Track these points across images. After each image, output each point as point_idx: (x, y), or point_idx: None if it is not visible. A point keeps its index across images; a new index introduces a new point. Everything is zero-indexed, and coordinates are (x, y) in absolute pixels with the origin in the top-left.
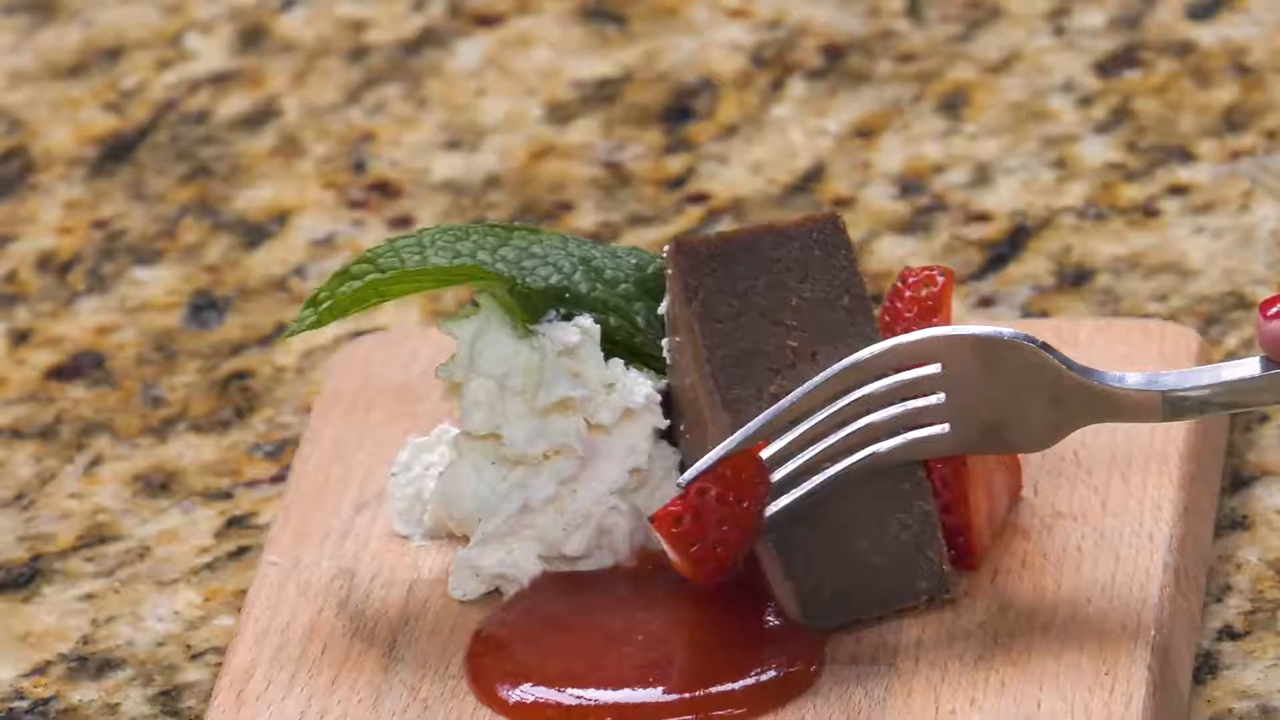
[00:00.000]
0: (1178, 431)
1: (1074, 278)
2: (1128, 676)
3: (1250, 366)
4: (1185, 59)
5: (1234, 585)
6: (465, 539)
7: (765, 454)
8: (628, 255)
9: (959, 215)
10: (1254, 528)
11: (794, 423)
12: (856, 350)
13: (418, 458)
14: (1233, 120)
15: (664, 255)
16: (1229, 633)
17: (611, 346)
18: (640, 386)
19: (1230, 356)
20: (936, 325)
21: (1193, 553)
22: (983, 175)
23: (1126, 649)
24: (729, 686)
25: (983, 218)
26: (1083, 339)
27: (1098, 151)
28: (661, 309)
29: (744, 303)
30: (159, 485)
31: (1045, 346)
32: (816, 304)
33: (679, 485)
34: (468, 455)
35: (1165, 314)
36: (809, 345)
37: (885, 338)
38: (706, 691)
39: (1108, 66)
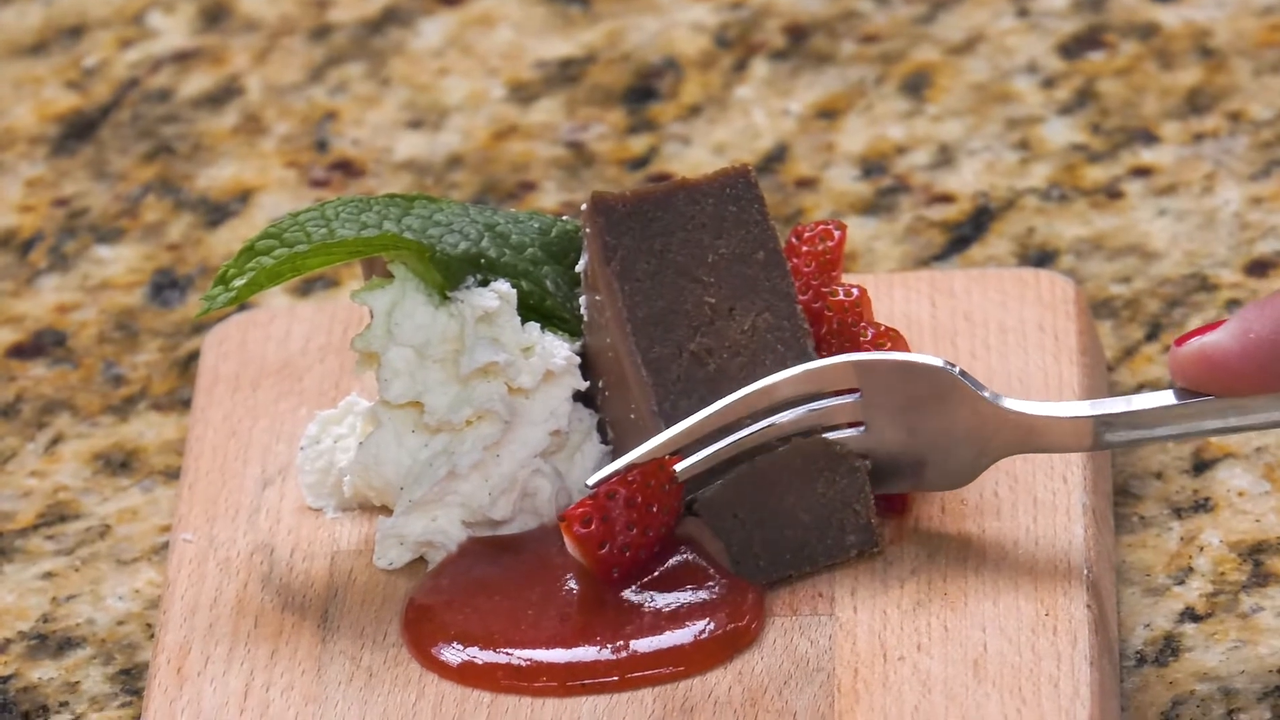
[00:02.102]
0: (1071, 376)
1: (1037, 259)
2: (1069, 616)
3: (1175, 395)
4: (1149, 41)
5: (1196, 568)
6: (384, 509)
7: (678, 468)
8: (529, 219)
9: (922, 197)
10: (1216, 510)
11: (707, 439)
12: (773, 305)
13: (326, 431)
14: (1196, 102)
15: (565, 218)
16: (1191, 615)
17: (524, 311)
18: (559, 349)
19: None
20: (836, 281)
21: (1102, 492)
22: (946, 156)
23: (1062, 589)
24: (674, 643)
25: (946, 199)
26: (958, 289)
27: (1061, 133)
28: (579, 267)
29: (661, 260)
30: (119, 464)
31: (964, 374)
32: (732, 259)
33: (588, 486)
34: (388, 425)
35: (1129, 295)
36: (727, 301)
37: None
38: (652, 649)
39: (1071, 48)
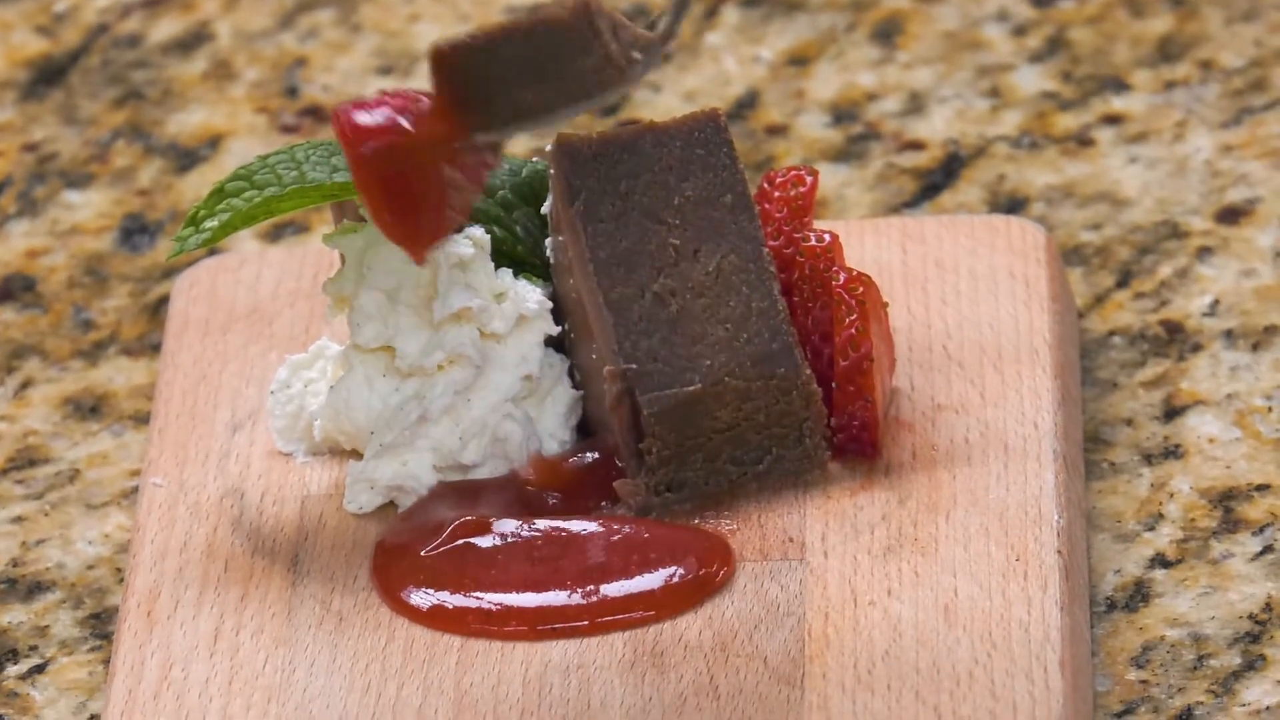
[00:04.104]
0: (1042, 324)
1: (1008, 206)
2: (1039, 562)
3: None
4: None
5: (1166, 514)
6: (355, 453)
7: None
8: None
9: (893, 144)
10: (1186, 457)
11: None
12: (739, 247)
13: (296, 375)
14: (1167, 51)
15: (536, 160)
16: (1161, 561)
17: (496, 257)
18: (531, 294)
19: (1162, 286)
20: (808, 226)
21: (1073, 438)
22: (917, 104)
23: (1033, 535)
24: (644, 588)
25: (916, 146)
26: (929, 236)
27: (1032, 81)
28: (545, 209)
29: (626, 202)
30: (89, 408)
31: None
32: (698, 202)
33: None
34: (358, 369)
35: (1099, 243)
36: (691, 243)
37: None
38: (622, 593)
39: None
